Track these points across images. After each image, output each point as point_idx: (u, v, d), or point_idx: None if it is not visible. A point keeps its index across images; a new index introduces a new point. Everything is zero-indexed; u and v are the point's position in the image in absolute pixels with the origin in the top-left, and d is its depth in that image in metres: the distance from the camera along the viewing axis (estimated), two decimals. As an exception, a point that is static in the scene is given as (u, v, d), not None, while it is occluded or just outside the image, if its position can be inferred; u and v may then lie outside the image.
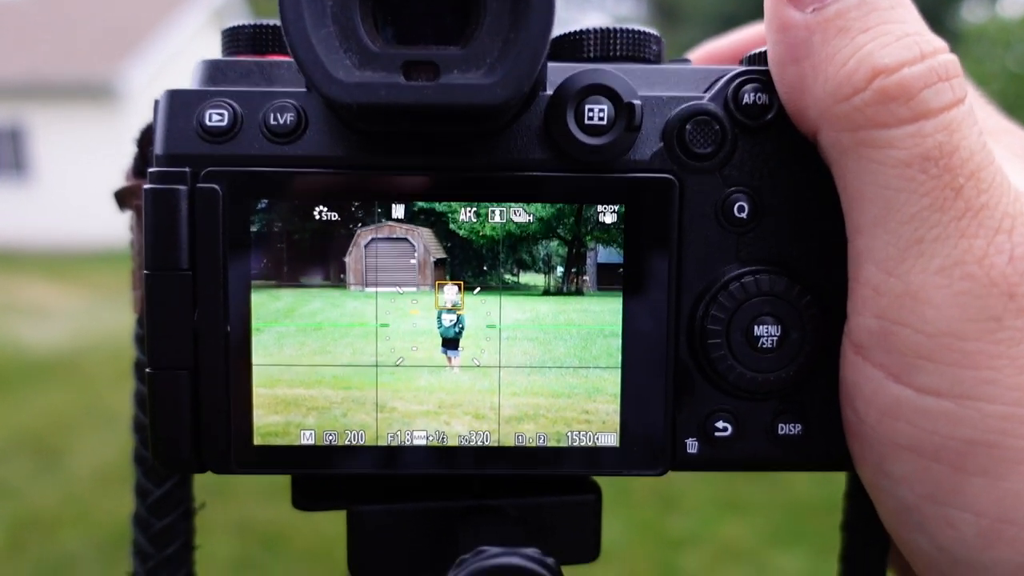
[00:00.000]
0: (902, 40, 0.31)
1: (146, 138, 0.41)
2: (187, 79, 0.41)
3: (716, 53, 0.49)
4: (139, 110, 11.49)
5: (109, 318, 6.13)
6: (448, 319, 0.37)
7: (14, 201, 11.82)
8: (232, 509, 2.92)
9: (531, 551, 0.33)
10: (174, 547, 0.42)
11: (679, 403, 0.37)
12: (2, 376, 4.67)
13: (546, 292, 0.37)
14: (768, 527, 2.89)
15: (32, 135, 11.88)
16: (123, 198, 0.42)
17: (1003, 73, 6.72)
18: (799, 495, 3.10)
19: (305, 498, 0.41)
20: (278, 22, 0.40)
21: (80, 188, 11.29)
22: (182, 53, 12.37)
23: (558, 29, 0.35)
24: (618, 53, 0.40)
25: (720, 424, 0.37)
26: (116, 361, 4.94)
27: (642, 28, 0.41)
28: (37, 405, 4.23)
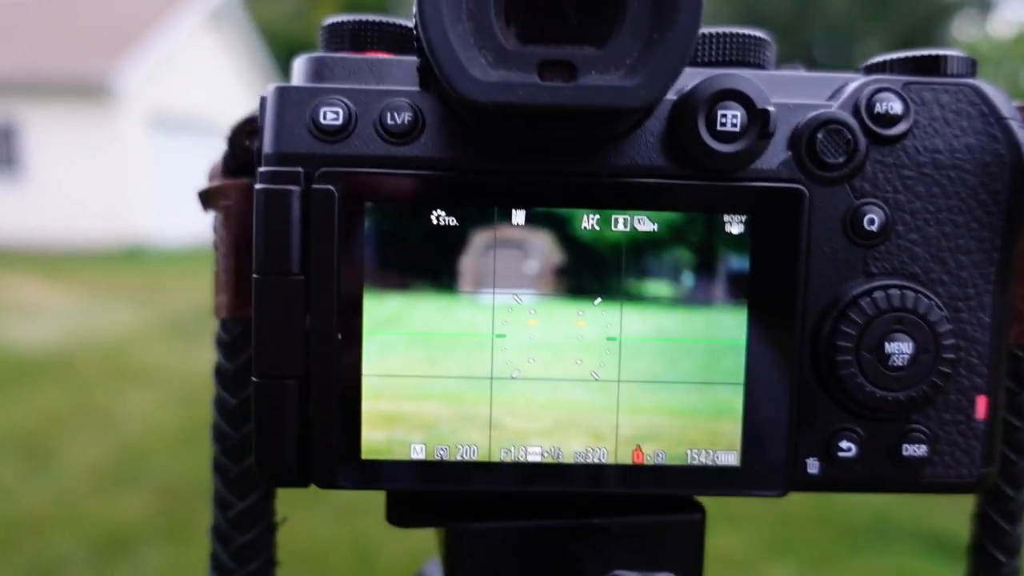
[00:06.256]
0: None
1: (239, 135, 0.40)
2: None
3: None
4: (133, 109, 11.42)
5: (102, 317, 6.07)
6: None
7: (6, 199, 11.70)
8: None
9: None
10: (257, 563, 0.41)
11: (802, 422, 0.36)
12: (-7, 375, 4.61)
13: (671, 303, 0.35)
14: (760, 538, 2.89)
15: (25, 132, 11.77)
16: (209, 198, 0.41)
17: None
18: (790, 506, 3.10)
19: (401, 514, 0.39)
20: (379, 17, 0.39)
21: (73, 186, 11.20)
22: (178, 52, 12.31)
23: None
24: (733, 58, 0.39)
25: (844, 444, 0.36)
26: (109, 361, 4.88)
27: (756, 32, 0.39)
28: (28, 404, 4.17)
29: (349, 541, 2.66)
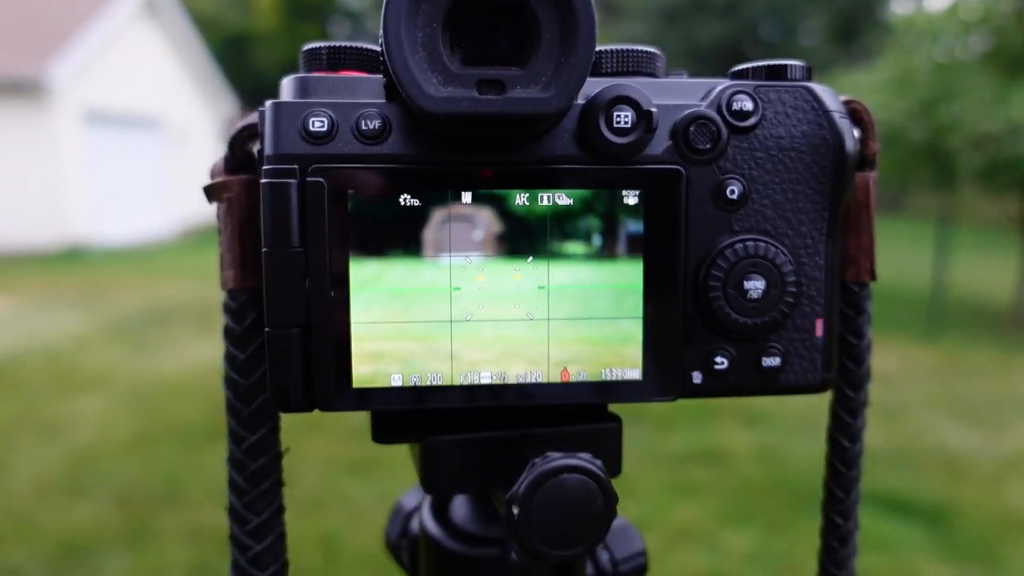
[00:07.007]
0: None
1: (238, 139, 0.49)
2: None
3: None
4: (68, 105, 11.05)
5: (44, 323, 5.93)
6: None
7: (-67, 203, 11.22)
8: (186, 515, 2.88)
9: (585, 455, 0.43)
10: (268, 483, 0.50)
11: (686, 344, 0.48)
12: (-69, 387, 4.48)
13: (585, 259, 0.46)
14: (718, 508, 2.98)
15: (-49, 134, 11.31)
16: (213, 191, 0.50)
17: (930, 64, 7.01)
18: (746, 476, 3.25)
19: (385, 433, 0.50)
20: (348, 43, 0.49)
21: (7, 188, 10.82)
22: (112, 45, 11.95)
23: None
24: (630, 68, 0.50)
25: (719, 359, 0.48)
26: (51, 367, 4.76)
27: (648, 48, 0.50)
28: (-31, 417, 4.06)
29: (315, 535, 2.69)
